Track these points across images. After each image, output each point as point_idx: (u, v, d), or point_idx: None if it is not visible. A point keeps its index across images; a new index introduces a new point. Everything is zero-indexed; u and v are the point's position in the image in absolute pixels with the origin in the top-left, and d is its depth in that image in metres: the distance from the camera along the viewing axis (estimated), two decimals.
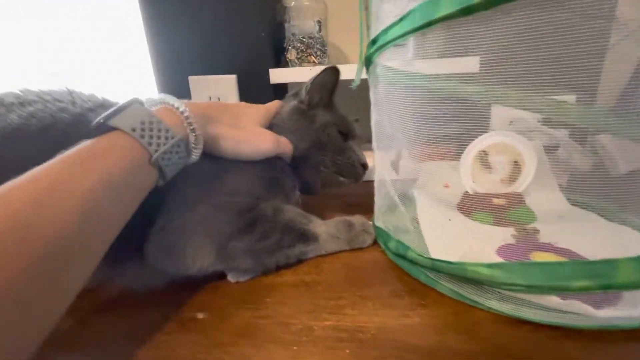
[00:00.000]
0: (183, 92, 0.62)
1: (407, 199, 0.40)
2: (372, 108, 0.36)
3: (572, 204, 0.40)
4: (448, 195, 0.45)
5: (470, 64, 0.29)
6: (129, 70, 0.69)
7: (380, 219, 0.41)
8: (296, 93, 0.43)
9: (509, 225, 0.38)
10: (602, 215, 0.35)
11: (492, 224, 0.39)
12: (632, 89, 0.26)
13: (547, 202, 0.42)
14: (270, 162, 0.37)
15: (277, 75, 0.58)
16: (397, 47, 0.30)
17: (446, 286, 0.28)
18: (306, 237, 0.33)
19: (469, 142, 0.44)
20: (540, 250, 0.32)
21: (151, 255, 0.28)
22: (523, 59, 0.25)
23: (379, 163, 0.38)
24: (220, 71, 0.60)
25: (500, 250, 0.32)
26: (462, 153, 0.46)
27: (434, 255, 0.30)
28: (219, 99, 0.61)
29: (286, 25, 0.65)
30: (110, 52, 0.72)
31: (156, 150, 0.24)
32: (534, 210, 0.40)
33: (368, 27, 0.32)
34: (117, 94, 0.36)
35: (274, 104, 0.42)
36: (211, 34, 0.60)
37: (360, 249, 0.36)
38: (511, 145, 0.44)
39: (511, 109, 0.39)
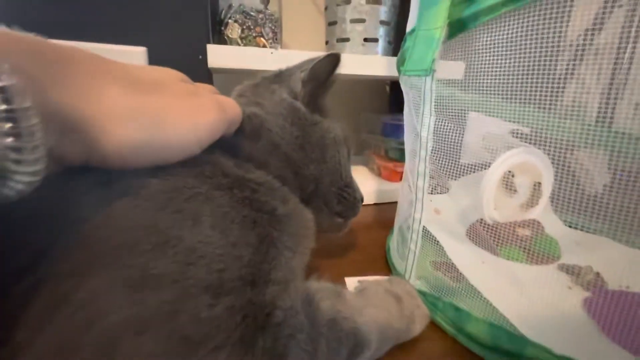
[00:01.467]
0: None
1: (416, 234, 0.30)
2: (431, 108, 0.23)
3: (567, 226, 0.37)
4: (445, 224, 0.37)
5: (455, 69, 0.25)
6: None
7: (417, 274, 0.28)
8: (276, 78, 0.27)
9: (544, 262, 0.32)
10: (608, 237, 0.32)
11: (526, 262, 0.32)
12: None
13: (554, 226, 0.37)
14: (264, 185, 0.19)
15: (220, 56, 0.38)
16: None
17: None
18: (359, 345, 0.17)
19: (444, 159, 0.37)
20: None
21: None
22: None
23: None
24: (120, 39, 0.37)
25: (592, 310, 0.24)
26: (438, 170, 0.38)
27: (554, 346, 0.19)
28: None
29: None
30: None
31: None
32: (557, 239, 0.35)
33: None
34: None
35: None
36: None
37: None
38: (534, 164, 0.38)
39: (485, 119, 0.34)
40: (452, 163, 0.24)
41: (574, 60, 0.22)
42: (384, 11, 0.49)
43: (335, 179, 0.27)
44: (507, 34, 0.18)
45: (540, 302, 0.25)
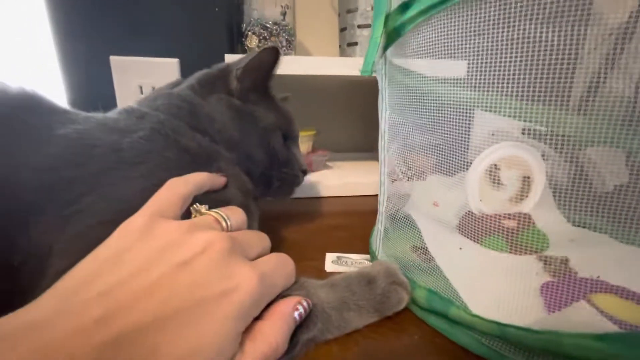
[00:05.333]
0: (103, 77, 0.45)
1: (403, 221, 0.33)
2: (387, 104, 0.26)
3: (571, 224, 0.36)
4: (442, 216, 0.38)
5: (457, 67, 0.25)
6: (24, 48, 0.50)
7: (385, 251, 0.32)
8: (205, 82, 0.31)
9: (526, 253, 0.32)
10: (609, 235, 0.31)
11: (508, 252, 0.33)
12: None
13: (550, 222, 0.37)
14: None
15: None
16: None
17: None
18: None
19: (449, 153, 0.38)
20: (599, 292, 0.25)
21: None
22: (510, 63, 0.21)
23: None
24: (158, 52, 0.46)
25: (546, 292, 0.26)
26: (443, 165, 0.40)
27: (474, 310, 0.22)
28: (153, 88, 0.46)
29: (245, 7, 0.54)
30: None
31: None
32: (546, 233, 0.35)
33: None
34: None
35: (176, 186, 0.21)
36: (144, 1, 0.45)
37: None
38: (522, 158, 0.38)
39: (493, 117, 0.35)
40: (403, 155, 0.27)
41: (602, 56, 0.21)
42: None
43: (272, 160, 0.31)
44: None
45: (500, 283, 0.27)
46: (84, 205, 0.18)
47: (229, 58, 0.45)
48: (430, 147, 0.32)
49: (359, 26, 0.54)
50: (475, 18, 0.19)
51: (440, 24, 0.20)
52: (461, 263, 0.30)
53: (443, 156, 0.36)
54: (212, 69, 0.33)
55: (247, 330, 0.16)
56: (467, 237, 0.34)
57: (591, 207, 0.25)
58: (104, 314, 0.13)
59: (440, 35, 0.21)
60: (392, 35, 0.22)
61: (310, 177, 0.54)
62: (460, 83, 0.25)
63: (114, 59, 0.45)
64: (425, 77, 0.27)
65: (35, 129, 0.20)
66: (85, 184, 0.19)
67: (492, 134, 0.40)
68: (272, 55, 0.30)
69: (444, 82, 0.28)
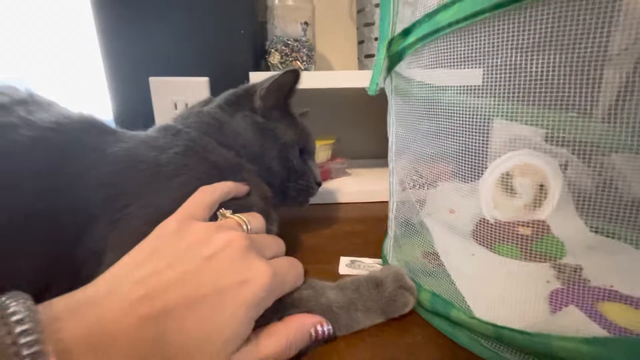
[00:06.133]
0: (143, 95, 0.51)
1: (414, 228, 0.34)
2: (394, 119, 0.28)
3: (593, 231, 0.35)
4: (457, 223, 0.39)
5: (473, 75, 0.26)
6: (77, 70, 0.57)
7: (395, 256, 0.33)
8: (231, 101, 0.34)
9: (540, 260, 0.33)
10: (633, 244, 0.30)
11: (520, 259, 0.33)
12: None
13: (569, 229, 0.36)
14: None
15: (258, 79, 0.49)
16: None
17: None
18: None
19: (467, 161, 0.38)
20: (607, 300, 0.26)
21: None
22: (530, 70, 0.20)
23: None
24: (190, 72, 0.50)
25: (554, 299, 0.26)
26: (460, 173, 0.40)
27: (477, 313, 0.23)
28: (186, 105, 0.51)
29: (268, 25, 0.57)
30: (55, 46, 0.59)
31: None
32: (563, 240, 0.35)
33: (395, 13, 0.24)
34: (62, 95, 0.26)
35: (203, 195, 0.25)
36: (179, 28, 0.50)
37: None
38: (537, 166, 0.38)
39: (512, 125, 0.34)
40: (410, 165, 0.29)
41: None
42: None
43: (290, 172, 0.34)
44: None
45: (510, 289, 0.27)
46: (132, 210, 0.22)
47: (253, 75, 0.49)
48: (445, 154, 0.33)
49: (376, 39, 0.56)
50: (473, 43, 0.21)
51: (441, 46, 0.22)
52: (472, 269, 0.31)
53: (459, 162, 0.37)
54: (239, 88, 0.36)
55: (267, 328, 0.19)
56: (481, 244, 0.34)
57: (616, 215, 0.25)
58: (145, 295, 0.16)
59: (446, 54, 0.22)
60: (395, 58, 0.25)
61: (329, 184, 0.56)
62: (477, 91, 0.26)
63: (152, 80, 0.50)
64: (436, 87, 0.29)
65: (92, 150, 0.24)
66: (132, 194, 0.23)
67: (513, 140, 0.40)
68: (293, 77, 0.33)
69: (459, 91, 0.29)
